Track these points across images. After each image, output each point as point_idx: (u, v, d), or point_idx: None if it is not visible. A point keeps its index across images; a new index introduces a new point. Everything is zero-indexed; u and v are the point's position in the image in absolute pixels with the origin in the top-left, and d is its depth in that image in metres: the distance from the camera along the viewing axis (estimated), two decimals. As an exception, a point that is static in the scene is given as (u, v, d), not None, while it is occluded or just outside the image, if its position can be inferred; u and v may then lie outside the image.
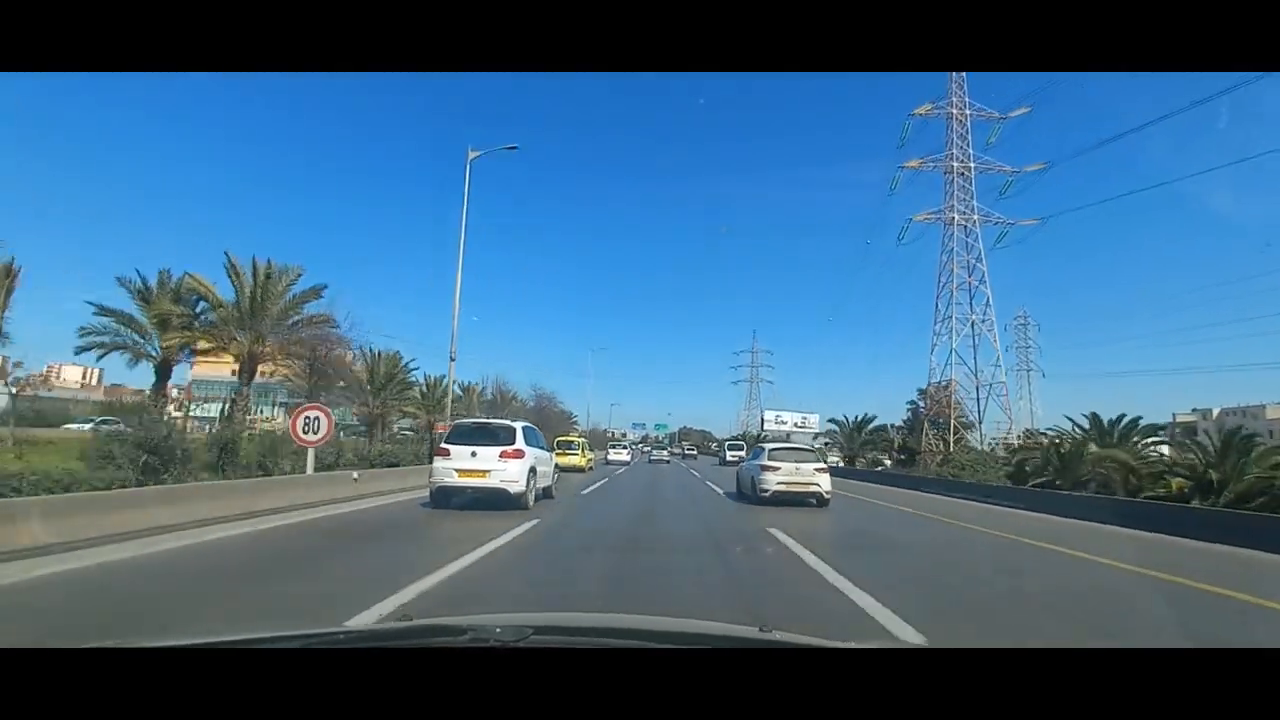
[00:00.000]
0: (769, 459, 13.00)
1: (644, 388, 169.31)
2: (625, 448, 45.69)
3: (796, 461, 12.94)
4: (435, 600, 4.45)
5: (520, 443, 10.46)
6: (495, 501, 10.07)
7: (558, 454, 17.69)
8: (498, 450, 10.17)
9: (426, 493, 10.73)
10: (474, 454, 10.13)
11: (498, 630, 1.35)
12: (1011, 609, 5.13)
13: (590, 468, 25.94)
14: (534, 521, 8.72)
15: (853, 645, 1.46)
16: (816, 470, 12.82)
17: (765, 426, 69.88)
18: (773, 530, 8.77)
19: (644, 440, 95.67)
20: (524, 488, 10.13)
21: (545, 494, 11.75)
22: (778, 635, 1.51)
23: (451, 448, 10.29)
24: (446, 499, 10.25)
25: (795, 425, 68.35)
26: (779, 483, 12.52)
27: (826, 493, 12.66)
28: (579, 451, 24.41)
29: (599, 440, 56.59)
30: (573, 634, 1.64)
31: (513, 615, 2.24)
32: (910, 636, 3.90)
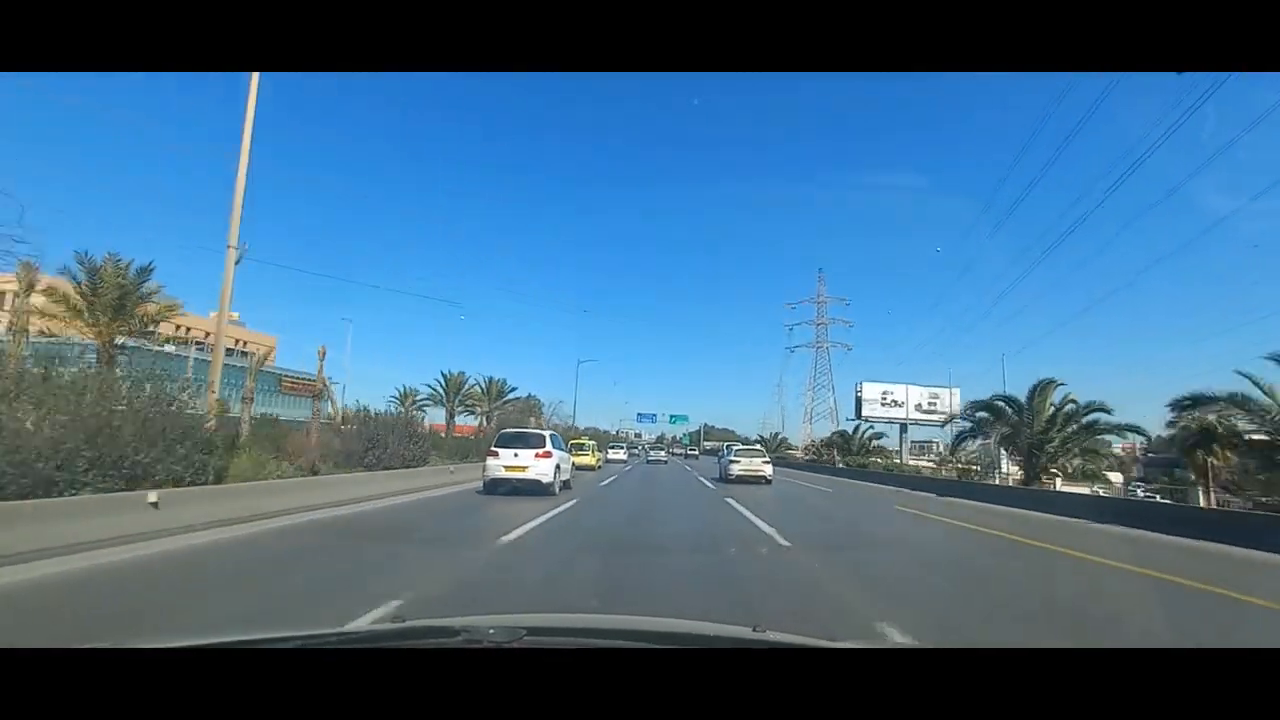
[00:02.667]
0: (733, 456, 22.58)
1: (664, 382, 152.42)
2: (623, 448, 47.12)
3: (750, 457, 22.32)
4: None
5: (549, 446, 14.39)
6: (531, 490, 13.94)
7: (573, 454, 21.72)
8: (533, 452, 14.08)
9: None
10: (515, 455, 14.03)
11: (491, 631, 1.37)
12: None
13: (599, 465, 30.41)
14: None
15: (847, 645, 1.50)
16: (763, 462, 21.89)
17: (864, 409, 45.84)
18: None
19: (659, 441, 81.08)
20: (552, 479, 14.05)
21: (565, 485, 15.69)
22: (771, 635, 1.54)
23: (500, 450, 14.21)
24: (495, 487, 14.14)
25: (918, 407, 45.90)
26: (739, 470, 21.44)
27: (769, 476, 21.52)
28: (589, 452, 28.87)
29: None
30: (566, 635, 1.68)
31: (506, 616, 2.34)
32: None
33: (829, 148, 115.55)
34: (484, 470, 14.39)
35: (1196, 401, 18.79)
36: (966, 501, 16.71)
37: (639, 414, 78.65)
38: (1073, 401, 23.04)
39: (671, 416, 77.19)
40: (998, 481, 28.97)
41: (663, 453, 52.14)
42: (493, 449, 14.48)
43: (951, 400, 41.20)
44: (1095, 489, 24.11)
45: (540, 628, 1.60)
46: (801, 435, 58.64)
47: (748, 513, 11.81)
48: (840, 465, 40.78)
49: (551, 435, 15.31)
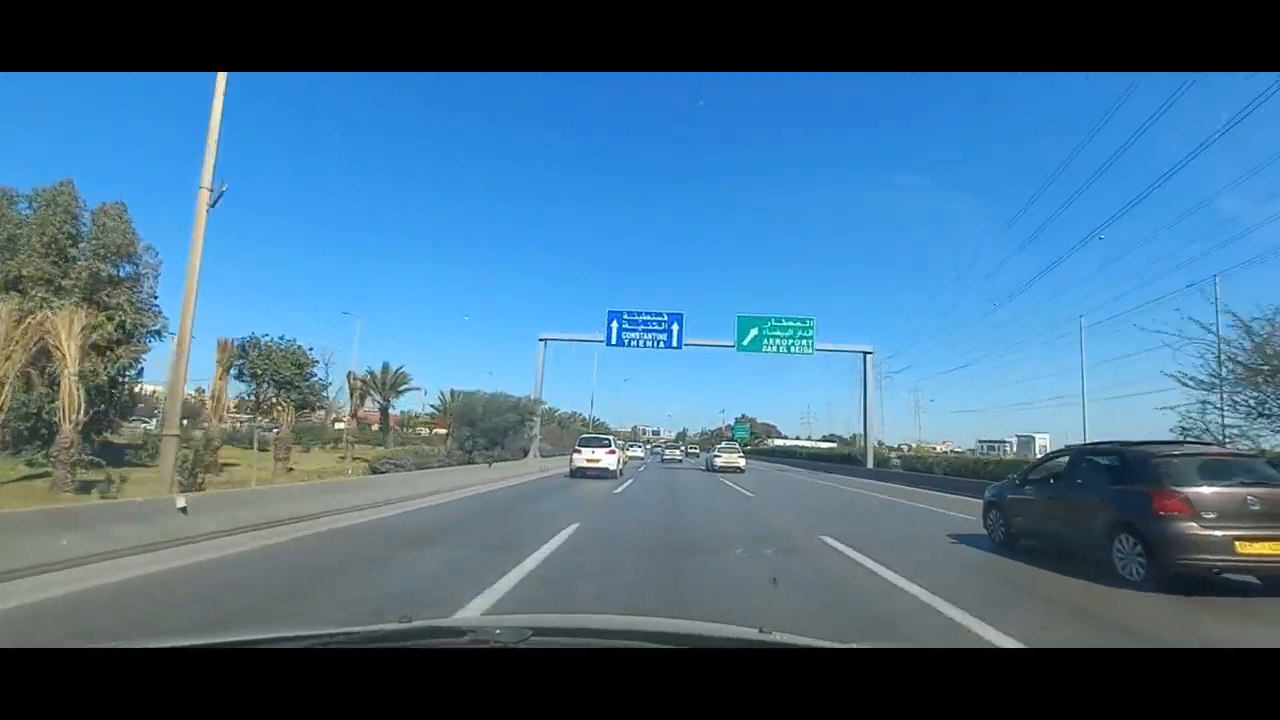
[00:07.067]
0: (716, 452, 32.92)
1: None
2: (640, 445, 51.82)
3: (728, 453, 31.56)
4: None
5: (613, 445, 23.09)
6: (604, 475, 22.27)
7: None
8: (604, 449, 22.64)
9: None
10: (592, 451, 22.51)
11: (497, 631, 1.39)
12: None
13: (627, 461, 38.36)
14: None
15: (851, 646, 1.51)
16: (738, 456, 31.29)
17: None
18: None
19: (679, 438, 74.28)
20: (617, 468, 22.92)
21: (620, 473, 24.13)
22: (777, 636, 1.55)
23: (581, 448, 22.67)
24: (579, 473, 22.39)
25: None
26: (720, 462, 30.61)
27: (743, 466, 30.60)
28: (621, 450, 36.89)
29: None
30: (572, 635, 1.70)
31: (513, 616, 2.28)
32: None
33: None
34: (571, 461, 22.74)
35: None
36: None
37: (611, 312, 32.28)
38: None
39: (745, 329, 31.17)
40: None
41: (679, 451, 49.02)
42: (576, 448, 23.02)
43: None
44: None
45: (546, 628, 1.63)
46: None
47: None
48: None
49: (612, 439, 23.90)
